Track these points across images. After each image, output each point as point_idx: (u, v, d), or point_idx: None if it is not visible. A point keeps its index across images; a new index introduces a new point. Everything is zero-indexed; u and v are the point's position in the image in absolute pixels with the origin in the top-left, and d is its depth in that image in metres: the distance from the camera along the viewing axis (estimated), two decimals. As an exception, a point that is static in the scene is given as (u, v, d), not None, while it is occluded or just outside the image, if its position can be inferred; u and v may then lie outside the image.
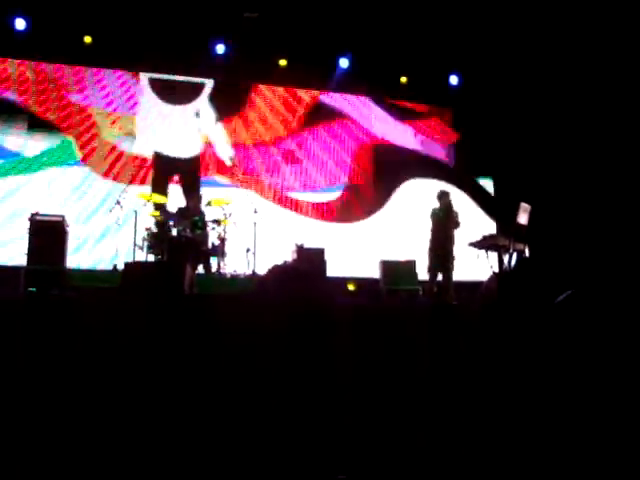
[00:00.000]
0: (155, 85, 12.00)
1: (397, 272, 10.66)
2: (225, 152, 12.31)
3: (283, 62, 12.24)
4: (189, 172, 11.82)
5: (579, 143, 11.43)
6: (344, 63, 12.46)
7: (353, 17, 11.03)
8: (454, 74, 13.09)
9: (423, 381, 4.39)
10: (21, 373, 3.87)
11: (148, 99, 11.96)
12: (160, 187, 11.28)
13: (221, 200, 10.16)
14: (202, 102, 12.35)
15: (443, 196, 9.38)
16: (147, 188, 11.32)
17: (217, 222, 10.10)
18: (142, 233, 9.79)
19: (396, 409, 4.09)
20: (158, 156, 11.72)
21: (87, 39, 11.16)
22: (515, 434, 3.47)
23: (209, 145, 12.22)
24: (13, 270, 8.75)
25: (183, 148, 11.99)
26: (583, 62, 10.85)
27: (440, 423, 3.81)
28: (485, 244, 9.33)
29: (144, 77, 11.98)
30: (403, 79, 12.97)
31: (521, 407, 3.72)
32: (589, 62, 10.76)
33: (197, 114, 11.49)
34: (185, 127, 12.08)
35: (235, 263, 10.21)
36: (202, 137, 12.23)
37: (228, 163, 12.24)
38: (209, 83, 12.38)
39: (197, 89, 12.31)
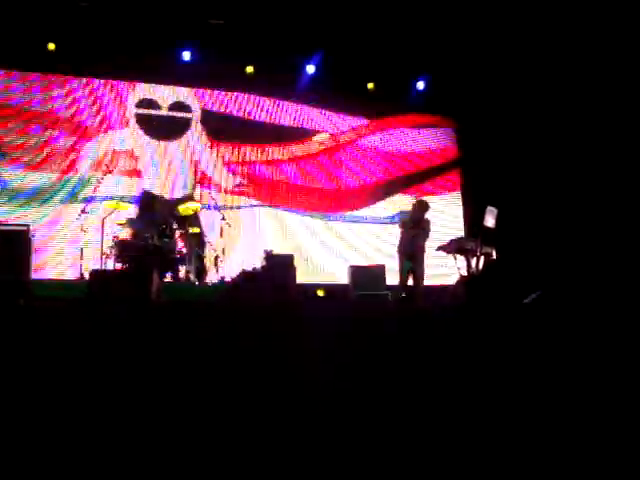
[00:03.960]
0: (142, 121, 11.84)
1: (366, 277, 10.69)
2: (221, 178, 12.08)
3: (250, 69, 12.12)
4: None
5: (543, 142, 11.54)
6: (310, 69, 12.40)
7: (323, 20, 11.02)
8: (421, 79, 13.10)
9: (392, 386, 4.39)
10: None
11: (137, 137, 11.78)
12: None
13: (189, 208, 10.09)
14: (192, 134, 12.13)
15: (422, 206, 9.41)
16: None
17: (184, 229, 10.06)
18: (109, 241, 9.69)
19: (366, 416, 4.08)
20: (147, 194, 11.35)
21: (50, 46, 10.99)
22: (484, 438, 3.47)
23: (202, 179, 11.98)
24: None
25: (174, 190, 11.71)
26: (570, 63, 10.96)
27: (411, 430, 3.81)
28: (453, 248, 9.41)
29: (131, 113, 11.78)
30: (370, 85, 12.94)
31: (491, 409, 3.73)
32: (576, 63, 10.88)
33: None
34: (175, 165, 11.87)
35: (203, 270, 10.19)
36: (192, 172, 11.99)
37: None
38: (196, 113, 12.23)
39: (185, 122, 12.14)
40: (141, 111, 11.77)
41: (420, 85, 13.13)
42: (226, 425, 3.84)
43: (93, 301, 5.70)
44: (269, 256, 9.36)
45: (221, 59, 11.62)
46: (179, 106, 12.00)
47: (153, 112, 11.84)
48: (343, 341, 4.74)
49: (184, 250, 9.93)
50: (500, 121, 12.36)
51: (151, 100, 11.85)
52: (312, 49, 12.13)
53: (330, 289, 11.26)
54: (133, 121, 11.67)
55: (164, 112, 11.88)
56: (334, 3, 10.59)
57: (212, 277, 10.19)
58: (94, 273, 8.11)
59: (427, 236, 9.22)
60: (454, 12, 10.68)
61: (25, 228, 8.49)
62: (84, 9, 10.59)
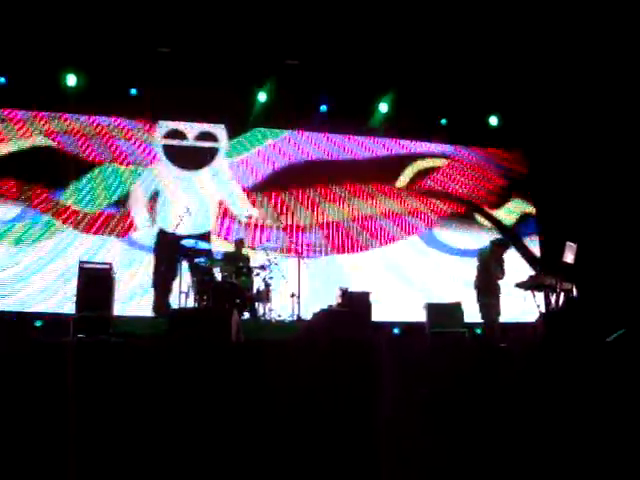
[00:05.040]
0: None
1: (443, 314, 10.56)
2: (242, 211, 12.15)
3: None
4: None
5: (626, 181, 11.30)
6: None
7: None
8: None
9: (470, 421, 4.34)
10: (73, 415, 3.92)
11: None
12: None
13: None
14: (218, 163, 12.39)
15: (501, 245, 9.41)
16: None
17: (262, 267, 10.19)
18: (188, 279, 9.92)
19: (446, 451, 4.05)
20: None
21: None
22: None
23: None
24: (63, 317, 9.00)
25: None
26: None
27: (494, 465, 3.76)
28: (531, 284, 9.23)
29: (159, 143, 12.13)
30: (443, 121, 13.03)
31: (569, 447, 3.66)
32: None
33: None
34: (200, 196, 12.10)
35: (280, 308, 10.26)
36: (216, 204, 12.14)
37: (244, 220, 12.05)
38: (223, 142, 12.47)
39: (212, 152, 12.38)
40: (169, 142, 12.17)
41: (493, 120, 13.10)
42: (305, 460, 3.88)
43: (173, 338, 5.81)
44: (345, 293, 9.35)
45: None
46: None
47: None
48: (421, 377, 4.72)
49: (261, 287, 10.05)
50: (574, 155, 12.18)
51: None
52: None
53: (407, 327, 11.20)
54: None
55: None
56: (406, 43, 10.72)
57: (288, 315, 10.26)
58: (174, 311, 8.29)
59: (502, 275, 9.14)
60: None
61: (108, 267, 8.80)
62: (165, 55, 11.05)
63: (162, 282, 10.71)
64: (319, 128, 12.75)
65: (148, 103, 11.47)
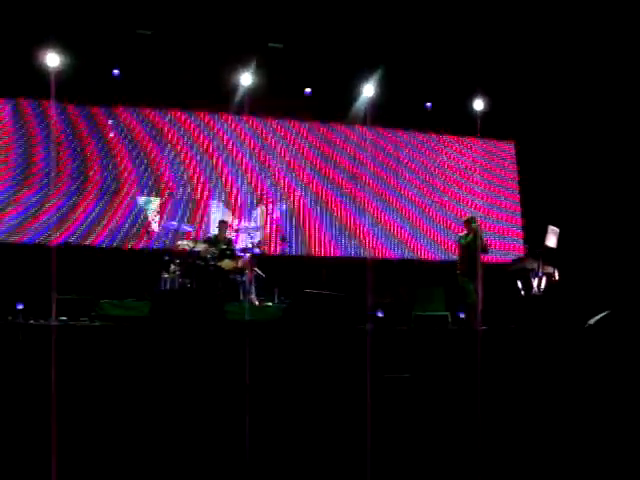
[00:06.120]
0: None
1: (426, 298, 10.63)
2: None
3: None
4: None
5: (610, 163, 11.36)
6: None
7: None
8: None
9: (452, 403, 4.38)
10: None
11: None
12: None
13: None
14: None
15: (469, 222, 9.29)
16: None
17: (244, 250, 10.16)
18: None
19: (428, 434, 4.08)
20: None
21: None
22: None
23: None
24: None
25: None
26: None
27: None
28: (514, 267, 9.29)
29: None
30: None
31: (552, 429, 3.70)
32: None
33: None
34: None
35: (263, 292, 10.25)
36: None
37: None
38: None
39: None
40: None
41: (478, 105, 12.99)
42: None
43: (157, 320, 5.77)
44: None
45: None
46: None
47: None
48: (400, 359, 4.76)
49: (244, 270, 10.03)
50: (561, 140, 12.21)
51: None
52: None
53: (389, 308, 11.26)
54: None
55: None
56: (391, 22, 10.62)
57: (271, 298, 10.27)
58: (156, 293, 8.24)
59: (486, 251, 9.15)
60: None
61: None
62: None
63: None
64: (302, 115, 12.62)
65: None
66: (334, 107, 12.51)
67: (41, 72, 10.57)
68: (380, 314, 11.44)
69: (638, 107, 10.83)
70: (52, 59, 10.55)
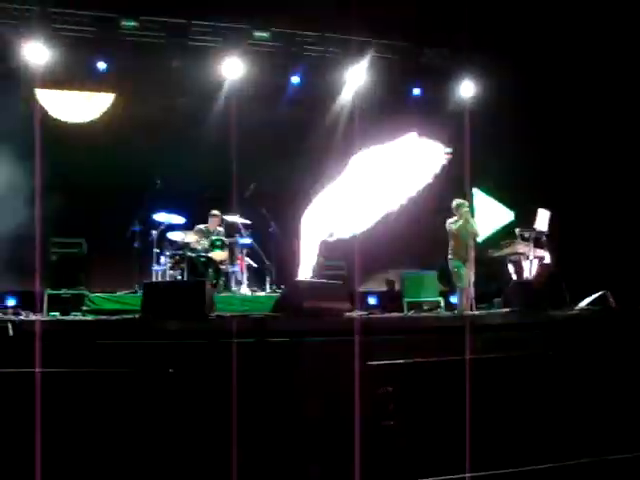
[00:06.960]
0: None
1: (418, 284, 10.65)
2: None
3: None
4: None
5: (600, 145, 11.33)
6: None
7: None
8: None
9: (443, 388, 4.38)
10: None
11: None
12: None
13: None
14: None
15: (459, 207, 9.20)
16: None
17: (234, 240, 10.12)
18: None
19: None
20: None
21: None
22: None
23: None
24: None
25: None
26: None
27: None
28: (505, 251, 9.26)
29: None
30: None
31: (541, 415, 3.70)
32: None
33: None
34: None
35: (254, 282, 10.23)
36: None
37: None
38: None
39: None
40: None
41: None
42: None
43: (148, 313, 5.74)
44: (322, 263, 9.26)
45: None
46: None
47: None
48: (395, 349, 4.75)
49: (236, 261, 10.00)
50: (552, 120, 12.14)
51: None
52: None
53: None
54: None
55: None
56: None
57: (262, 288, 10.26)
58: (148, 285, 8.18)
59: (476, 236, 9.11)
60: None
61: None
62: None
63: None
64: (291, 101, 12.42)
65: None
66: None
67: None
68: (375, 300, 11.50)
69: (634, 90, 10.80)
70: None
